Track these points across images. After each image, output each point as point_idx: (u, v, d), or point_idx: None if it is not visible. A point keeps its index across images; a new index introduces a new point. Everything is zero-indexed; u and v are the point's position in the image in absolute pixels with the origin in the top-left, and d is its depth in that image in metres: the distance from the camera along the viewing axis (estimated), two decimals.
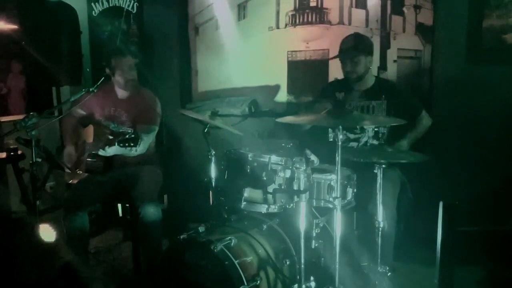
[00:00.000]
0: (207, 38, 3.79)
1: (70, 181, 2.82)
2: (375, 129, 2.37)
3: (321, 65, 3.35)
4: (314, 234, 2.03)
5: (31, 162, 2.23)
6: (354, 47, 2.57)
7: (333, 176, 1.96)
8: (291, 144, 2.32)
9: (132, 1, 3.91)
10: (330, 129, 1.83)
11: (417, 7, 3.05)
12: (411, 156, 2.08)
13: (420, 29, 3.06)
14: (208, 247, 1.89)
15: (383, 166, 2.00)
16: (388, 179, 2.36)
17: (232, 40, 3.65)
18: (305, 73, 3.45)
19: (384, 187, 2.05)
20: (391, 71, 3.17)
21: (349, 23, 3.24)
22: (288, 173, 1.93)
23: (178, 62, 3.89)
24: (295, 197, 1.83)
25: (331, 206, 1.91)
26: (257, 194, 2.04)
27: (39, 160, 2.26)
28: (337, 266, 1.86)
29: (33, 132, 2.19)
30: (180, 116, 2.74)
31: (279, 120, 2.03)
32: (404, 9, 3.09)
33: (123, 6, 3.95)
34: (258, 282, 1.88)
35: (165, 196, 3.41)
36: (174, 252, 2.06)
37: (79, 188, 2.66)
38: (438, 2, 2.99)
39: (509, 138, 2.79)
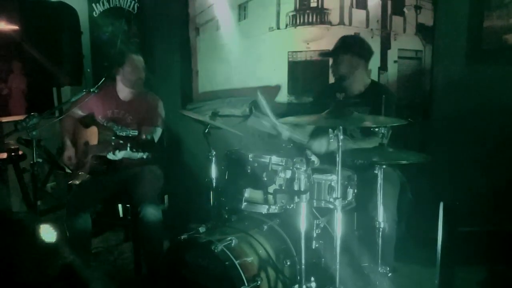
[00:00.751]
0: (207, 38, 3.79)
1: (71, 182, 2.82)
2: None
3: (321, 65, 3.35)
4: (314, 235, 2.03)
5: (32, 162, 2.24)
6: (340, 47, 2.56)
7: (334, 177, 1.97)
8: (292, 144, 2.33)
9: (133, 2, 3.92)
10: (330, 130, 1.83)
11: (417, 8, 3.05)
12: (411, 156, 2.07)
13: (421, 29, 3.06)
14: (208, 248, 1.89)
15: (384, 166, 2.00)
16: (388, 179, 2.36)
17: (233, 41, 3.66)
18: (306, 73, 3.45)
19: (384, 187, 2.05)
20: (392, 72, 3.16)
21: (350, 24, 3.24)
22: (288, 174, 1.93)
23: (178, 63, 3.90)
24: (296, 197, 1.83)
25: (331, 206, 1.90)
26: (257, 194, 2.04)
27: (40, 160, 2.27)
28: (337, 266, 1.86)
29: (34, 133, 2.20)
30: (181, 116, 2.75)
31: (280, 120, 2.03)
32: (405, 9, 3.09)
33: (124, 6, 3.96)
34: (259, 282, 1.88)
35: (166, 197, 3.40)
36: (175, 253, 2.06)
37: (81, 189, 2.66)
38: (439, 3, 2.99)
39: (509, 138, 2.79)
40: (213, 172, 2.41)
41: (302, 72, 3.46)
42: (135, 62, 2.77)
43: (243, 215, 2.27)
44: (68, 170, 2.75)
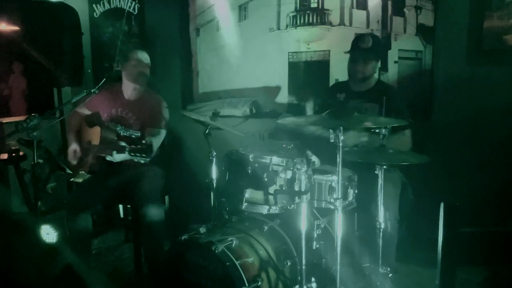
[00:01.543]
0: (208, 39, 3.80)
1: (71, 179, 2.81)
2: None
3: (322, 66, 3.36)
4: (315, 235, 2.04)
5: (32, 163, 2.23)
6: (371, 48, 2.52)
7: (334, 177, 1.97)
8: (292, 145, 2.33)
9: (133, 3, 3.93)
10: (331, 130, 1.83)
11: (418, 8, 3.05)
12: (412, 157, 2.07)
13: (421, 30, 3.06)
14: (209, 248, 1.90)
15: (384, 167, 2.00)
16: (389, 180, 2.36)
17: (233, 41, 3.66)
18: (306, 74, 3.45)
19: (385, 188, 2.05)
20: (392, 72, 3.17)
21: (350, 24, 3.24)
22: (289, 174, 1.93)
23: (179, 63, 3.90)
24: (296, 198, 1.83)
25: (332, 207, 1.90)
26: (258, 195, 2.05)
27: (41, 161, 2.27)
28: (338, 267, 1.86)
29: (34, 133, 2.20)
30: (181, 117, 2.75)
31: (280, 121, 2.03)
32: (405, 10, 3.09)
33: (124, 7, 3.96)
34: (259, 283, 1.88)
35: (167, 197, 3.41)
36: (176, 253, 2.06)
37: (82, 189, 2.66)
38: (439, 3, 2.99)
39: (510, 138, 2.79)
40: (214, 172, 2.41)
41: (302, 72, 3.46)
42: (139, 56, 2.78)
43: (243, 216, 2.27)
44: (68, 171, 2.74)
